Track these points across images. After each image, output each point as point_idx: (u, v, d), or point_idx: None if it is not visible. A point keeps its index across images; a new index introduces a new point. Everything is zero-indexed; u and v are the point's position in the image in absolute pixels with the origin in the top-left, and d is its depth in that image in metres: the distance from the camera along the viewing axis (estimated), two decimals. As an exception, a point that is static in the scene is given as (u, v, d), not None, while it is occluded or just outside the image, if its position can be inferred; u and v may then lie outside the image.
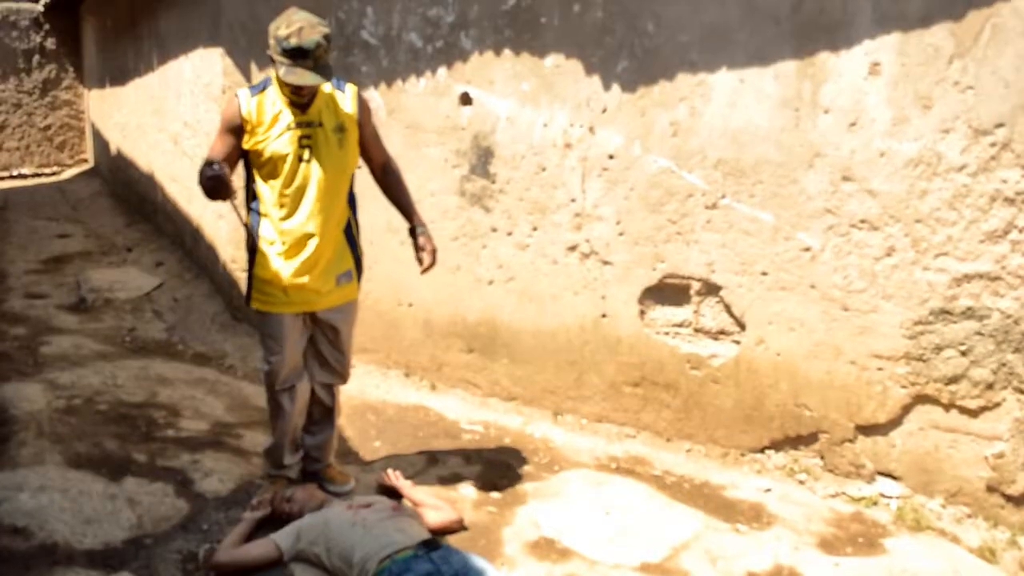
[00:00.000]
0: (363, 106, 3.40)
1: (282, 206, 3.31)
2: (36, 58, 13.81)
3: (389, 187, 3.58)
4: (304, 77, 3.08)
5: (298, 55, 3.06)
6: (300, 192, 3.29)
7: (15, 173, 13.72)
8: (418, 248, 3.50)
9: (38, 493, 3.40)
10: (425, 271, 3.51)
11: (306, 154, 3.27)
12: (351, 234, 3.47)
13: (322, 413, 3.68)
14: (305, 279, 3.34)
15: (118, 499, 3.47)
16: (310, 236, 3.31)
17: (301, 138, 3.26)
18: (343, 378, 3.65)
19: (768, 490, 3.77)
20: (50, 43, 13.90)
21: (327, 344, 3.54)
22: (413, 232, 3.53)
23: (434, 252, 3.50)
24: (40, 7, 13.35)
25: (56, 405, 4.35)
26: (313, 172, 3.28)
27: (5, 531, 3.15)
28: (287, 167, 3.27)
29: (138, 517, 3.38)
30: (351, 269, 3.47)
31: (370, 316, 5.14)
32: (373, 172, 3.58)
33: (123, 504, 3.44)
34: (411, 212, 3.56)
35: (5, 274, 7.54)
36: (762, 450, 4.00)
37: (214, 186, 3.05)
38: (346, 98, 3.35)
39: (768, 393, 3.92)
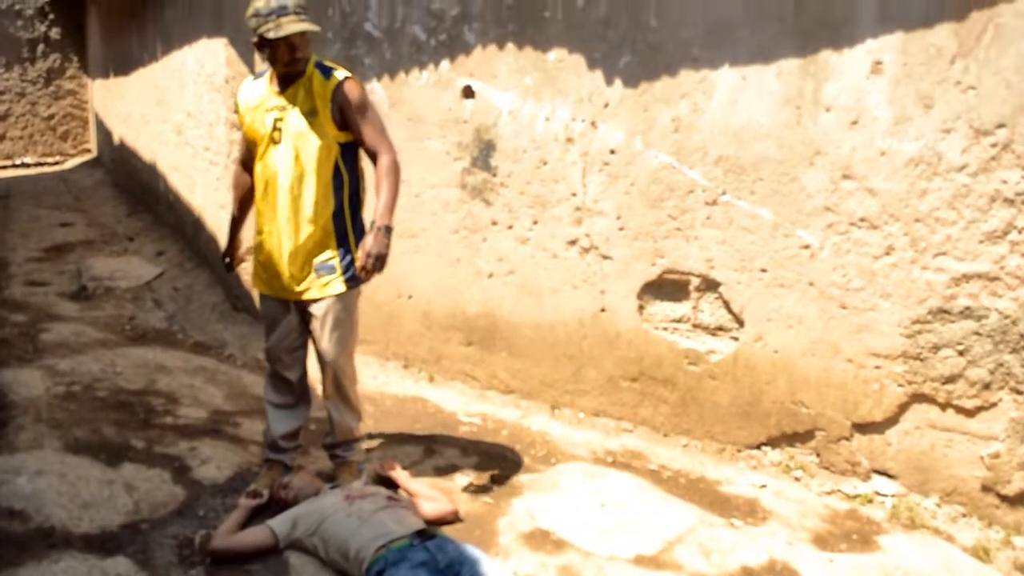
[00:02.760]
0: (342, 91, 3.30)
1: (259, 187, 3.41)
2: (40, 47, 13.82)
3: (376, 179, 3.37)
4: (290, 26, 3.15)
5: (281, 12, 3.17)
6: (273, 174, 3.36)
7: (18, 162, 13.73)
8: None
9: (36, 477, 3.41)
10: (363, 275, 3.28)
11: (277, 136, 3.33)
12: (342, 224, 3.40)
13: (325, 392, 3.62)
14: (281, 263, 3.40)
15: (115, 484, 3.48)
16: (282, 218, 3.35)
17: (275, 120, 3.33)
18: (332, 372, 3.51)
19: (764, 486, 3.78)
20: (54, 32, 13.91)
21: (315, 334, 3.48)
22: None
23: (375, 257, 3.20)
24: (45, -4, 13.37)
25: (55, 391, 4.36)
26: (282, 154, 3.32)
27: (2, 514, 3.16)
28: (262, 149, 3.38)
29: (135, 502, 3.39)
30: (334, 262, 3.38)
31: (369, 307, 5.15)
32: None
33: (120, 489, 3.45)
34: (379, 208, 3.27)
35: (7, 262, 7.56)
36: (758, 446, 4.01)
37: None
38: (327, 84, 3.31)
39: (765, 390, 3.93)
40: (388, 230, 3.24)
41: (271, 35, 3.17)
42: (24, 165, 13.69)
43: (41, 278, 7.03)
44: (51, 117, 14.11)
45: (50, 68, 13.95)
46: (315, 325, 3.45)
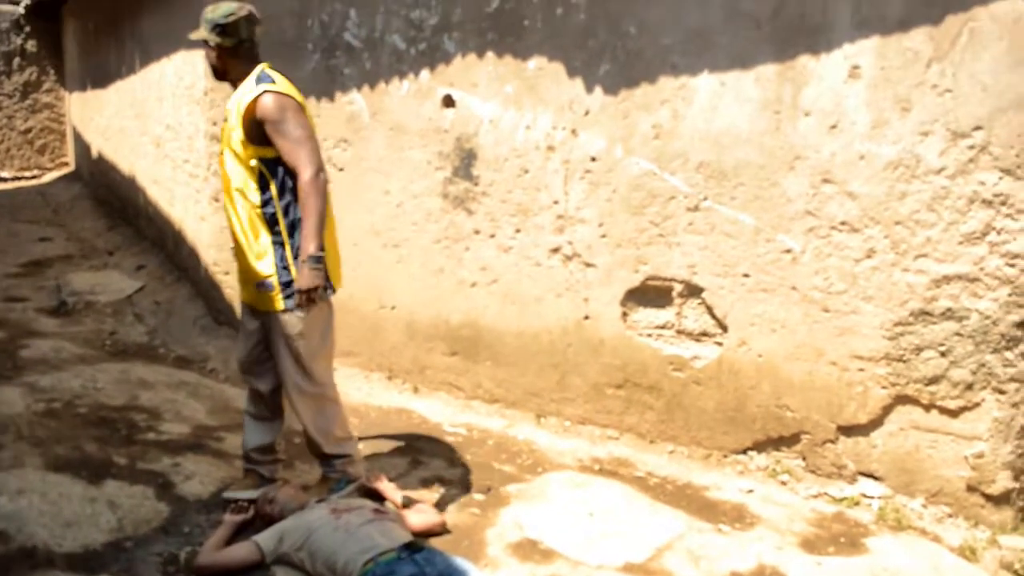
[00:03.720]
0: (257, 105, 3.20)
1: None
2: (17, 60, 13.70)
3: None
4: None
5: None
6: (224, 186, 3.44)
7: (-5, 176, 13.60)
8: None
9: (17, 496, 3.36)
10: (298, 307, 3.22)
11: (221, 148, 3.42)
12: (279, 238, 3.30)
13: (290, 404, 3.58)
14: (239, 272, 3.47)
15: (98, 502, 3.44)
16: (236, 229, 3.40)
17: (221, 132, 3.44)
18: (287, 387, 3.45)
19: (750, 491, 3.78)
20: (31, 45, 13.80)
21: (271, 347, 3.46)
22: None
23: (306, 291, 3.15)
24: (21, 9, 13.27)
25: (36, 408, 4.31)
26: (222, 166, 3.40)
27: (-17, 535, 3.12)
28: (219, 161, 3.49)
29: (118, 520, 3.36)
30: (271, 280, 3.29)
31: (353, 319, 5.13)
32: None
33: (103, 507, 3.42)
34: (301, 238, 3.19)
35: (-16, 277, 7.48)
36: (744, 451, 4.01)
37: None
38: (251, 97, 3.22)
39: (750, 395, 3.94)
40: (316, 259, 3.15)
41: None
42: (1, 179, 13.57)
43: (20, 294, 6.96)
44: (28, 131, 13.99)
45: (27, 81, 13.83)
46: (270, 338, 3.44)
